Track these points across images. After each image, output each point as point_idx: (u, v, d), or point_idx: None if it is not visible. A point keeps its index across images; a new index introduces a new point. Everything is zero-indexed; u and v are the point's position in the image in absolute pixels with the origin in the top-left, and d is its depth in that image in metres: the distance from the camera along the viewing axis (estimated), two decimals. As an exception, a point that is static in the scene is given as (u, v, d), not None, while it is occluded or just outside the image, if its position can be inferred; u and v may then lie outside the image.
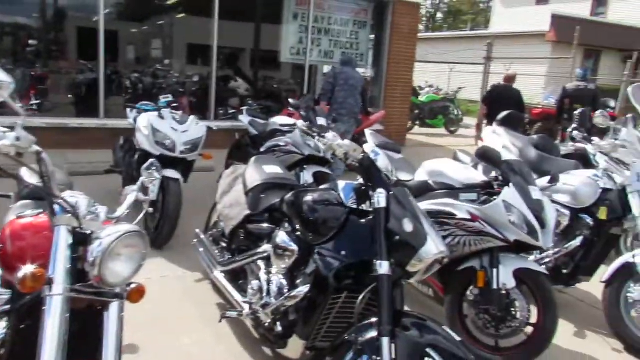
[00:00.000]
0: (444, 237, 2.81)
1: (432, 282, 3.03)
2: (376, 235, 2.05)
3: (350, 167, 2.23)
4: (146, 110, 4.40)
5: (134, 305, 1.68)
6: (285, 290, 2.38)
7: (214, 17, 8.07)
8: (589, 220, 3.24)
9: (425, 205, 2.98)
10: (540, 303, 2.64)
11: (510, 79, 8.13)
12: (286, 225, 2.50)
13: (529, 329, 2.69)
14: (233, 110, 7.59)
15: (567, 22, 18.65)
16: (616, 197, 3.14)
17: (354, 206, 2.26)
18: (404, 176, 3.42)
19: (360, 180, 2.60)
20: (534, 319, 2.68)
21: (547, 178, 3.25)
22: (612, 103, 12.91)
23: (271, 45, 9.76)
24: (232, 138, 6.19)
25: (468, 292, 2.80)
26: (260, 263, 2.62)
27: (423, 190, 3.14)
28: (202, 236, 3.30)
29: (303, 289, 2.24)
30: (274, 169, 3.02)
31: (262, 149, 4.87)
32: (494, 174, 2.84)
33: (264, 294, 2.47)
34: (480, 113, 11.16)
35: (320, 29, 9.20)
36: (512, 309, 2.70)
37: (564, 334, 3.08)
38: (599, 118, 3.53)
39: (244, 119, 5.53)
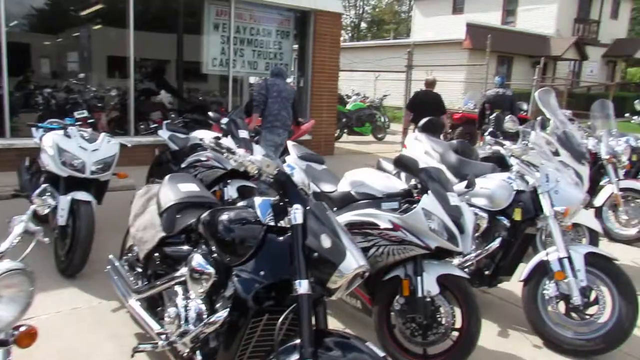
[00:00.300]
0: (368, 248, 2.81)
1: (359, 294, 3.00)
2: (294, 253, 1.98)
3: (265, 183, 2.15)
4: (52, 129, 4.08)
5: (41, 343, 1.49)
6: (205, 316, 2.24)
7: (129, 28, 7.73)
8: (505, 221, 3.34)
9: (348, 216, 2.96)
10: (464, 307, 2.67)
11: (430, 84, 8.46)
12: (203, 246, 2.37)
13: (455, 334, 2.71)
14: (155, 125, 7.28)
15: (480, 31, 19.68)
16: (529, 198, 3.26)
17: (272, 223, 2.17)
18: (327, 188, 3.41)
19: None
20: (458, 324, 2.70)
21: (465, 183, 3.31)
22: (524, 106, 13.67)
23: (194, 57, 9.53)
24: (154, 154, 5.94)
25: (394, 302, 2.79)
26: (178, 288, 2.47)
27: (346, 201, 3.11)
28: (116, 262, 3.08)
29: (222, 314, 2.11)
30: (189, 187, 2.87)
31: (183, 165, 4.69)
32: (413, 181, 2.85)
33: (182, 322, 2.32)
34: (405, 119, 11.49)
35: (242, 40, 9.08)
36: (438, 316, 2.72)
37: (489, 335, 3.14)
38: (508, 123, 3.68)
39: (163, 134, 5.31)
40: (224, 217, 2.21)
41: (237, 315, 2.08)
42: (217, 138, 4.59)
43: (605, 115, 5.38)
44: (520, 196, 3.30)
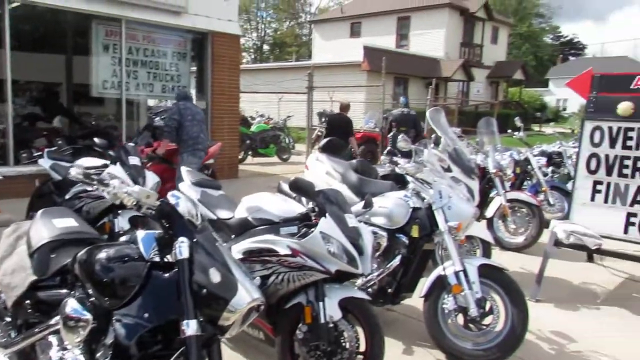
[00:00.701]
0: (268, 276, 2.70)
1: (261, 325, 2.86)
2: (181, 291, 1.81)
3: (147, 215, 1.97)
4: None
5: None
6: (83, 370, 1.99)
7: (4, 48, 7.06)
8: (404, 238, 3.39)
9: (246, 243, 2.83)
10: (367, 330, 2.63)
11: (345, 108, 8.65)
12: (79, 289, 2.11)
13: (360, 358, 2.66)
14: (39, 153, 6.65)
15: (377, 53, 20.57)
16: (425, 215, 3.33)
17: (157, 259, 1.99)
18: (223, 214, 3.25)
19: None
20: (363, 347, 2.66)
21: (362, 203, 3.32)
22: (420, 125, 14.46)
23: (84, 79, 8.92)
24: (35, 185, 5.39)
25: (297, 330, 2.68)
26: (52, 338, 2.18)
27: (244, 228, 2.98)
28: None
29: (102, 366, 1.88)
30: (66, 222, 2.58)
31: (67, 196, 4.29)
32: (311, 204, 2.79)
33: (57, 378, 2.05)
34: (308, 140, 11.61)
35: (136, 61, 8.67)
36: (342, 340, 2.65)
37: (394, 353, 3.14)
38: (401, 142, 3.76)
39: (44, 163, 4.83)
40: (102, 255, 1.98)
41: (119, 365, 1.86)
42: (105, 166, 4.32)
43: (490, 132, 5.74)
44: (417, 213, 3.37)
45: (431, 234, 3.34)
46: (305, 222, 2.72)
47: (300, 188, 2.65)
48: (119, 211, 4.10)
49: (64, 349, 2.11)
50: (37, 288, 2.36)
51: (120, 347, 1.84)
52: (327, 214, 2.63)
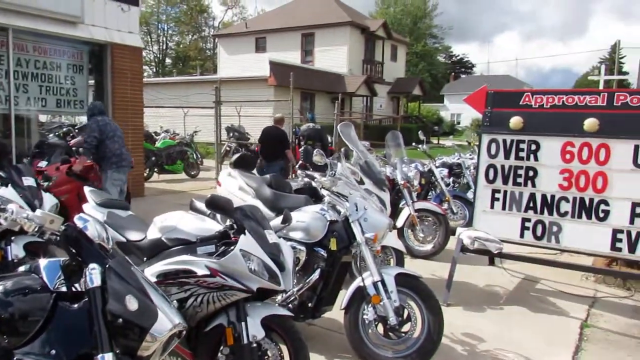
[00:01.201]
0: (186, 299, 2.58)
1: (179, 351, 2.71)
2: (93, 322, 1.67)
3: (51, 242, 1.79)
4: None
5: None
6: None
7: None
8: (322, 252, 3.40)
9: (159, 266, 2.68)
10: (291, 347, 2.59)
11: (278, 121, 8.72)
12: (-30, 329, 1.87)
13: (284, 377, 2.61)
14: None
15: (283, 69, 20.79)
16: (342, 227, 3.37)
17: (63, 289, 1.82)
18: (134, 236, 3.06)
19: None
20: (288, 365, 2.61)
21: (280, 218, 3.29)
22: (328, 138, 14.77)
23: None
24: None
25: (219, 353, 2.58)
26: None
27: (157, 249, 2.82)
28: None
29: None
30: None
31: (-55, 224, 3.80)
32: (229, 222, 2.71)
33: None
34: (217, 155, 11.37)
35: (25, 74, 7.98)
36: (266, 360, 2.59)
37: (317, 368, 3.12)
38: (317, 156, 3.80)
39: None
40: (-2, 288, 1.77)
41: (21, 412, 1.67)
42: (-9, 188, 3.89)
43: (397, 145, 5.98)
44: (334, 226, 3.40)
45: (349, 246, 3.38)
46: (223, 241, 2.63)
47: (218, 205, 2.56)
48: (12, 237, 3.73)
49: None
50: None
51: (23, 391, 1.66)
52: (246, 231, 2.57)
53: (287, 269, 2.63)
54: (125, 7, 8.89)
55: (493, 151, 4.61)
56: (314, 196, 5.20)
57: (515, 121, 4.50)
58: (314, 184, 3.53)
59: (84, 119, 14.42)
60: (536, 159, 4.45)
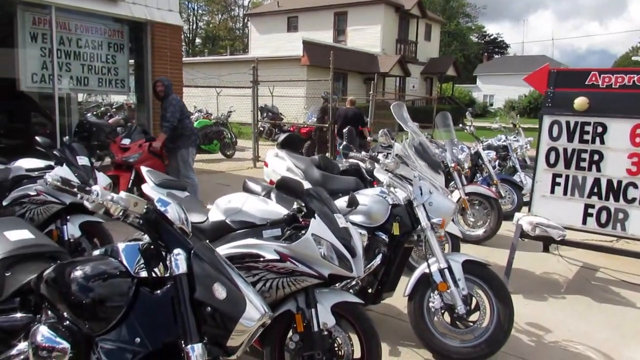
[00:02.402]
0: (254, 283, 2.49)
1: (245, 336, 2.65)
2: (180, 311, 1.59)
3: (132, 225, 1.71)
4: None
5: None
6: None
7: None
8: (384, 236, 3.28)
9: (225, 249, 2.60)
10: (362, 335, 2.50)
11: (353, 102, 10.12)
12: (48, 313, 1.83)
13: (355, 366, 2.53)
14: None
15: (316, 48, 20.54)
16: (405, 211, 3.24)
17: (144, 274, 1.75)
18: (195, 218, 2.98)
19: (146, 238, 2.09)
20: (358, 353, 2.52)
21: (344, 200, 3.17)
22: (364, 120, 14.54)
23: (6, 73, 8.12)
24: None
25: (288, 340, 2.51)
26: (16, 371, 1.87)
27: (220, 232, 2.75)
28: None
29: (85, 401, 1.63)
30: (21, 234, 2.25)
31: (4, 202, 3.83)
32: (295, 205, 2.61)
33: (25, 417, 1.75)
34: (254, 135, 11.33)
35: (68, 52, 8.00)
36: (336, 348, 2.51)
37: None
38: (382, 137, 3.63)
39: (-27, 166, 4.28)
40: (78, 272, 1.71)
41: (107, 399, 1.61)
42: (50, 167, 3.90)
43: (446, 126, 5.78)
44: (396, 210, 3.27)
45: (411, 231, 3.25)
46: (292, 224, 2.53)
47: (288, 187, 2.45)
48: (68, 217, 3.73)
49: (32, 382, 1.81)
50: (-10, 312, 2.03)
51: (110, 379, 1.60)
52: (316, 215, 2.46)
53: (358, 255, 2.53)
54: (165, -15, 8.80)
55: (555, 133, 4.38)
56: (359, 178, 5.10)
57: (580, 102, 4.25)
58: (378, 166, 3.36)
59: (120, 98, 14.59)
60: (602, 142, 4.21)
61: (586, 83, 4.28)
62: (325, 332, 2.45)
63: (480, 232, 5.54)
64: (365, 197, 3.39)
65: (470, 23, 54.54)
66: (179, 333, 1.63)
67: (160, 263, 1.79)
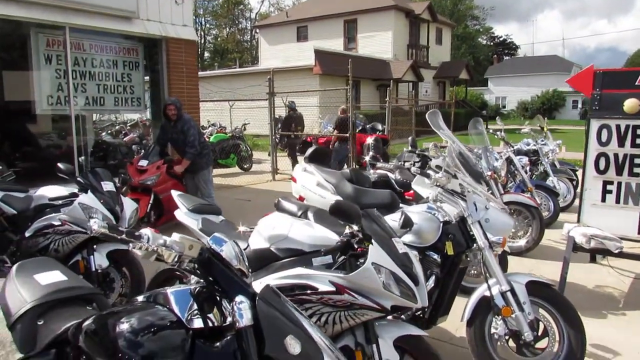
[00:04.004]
0: (306, 319, 2.27)
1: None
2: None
3: (185, 270, 1.50)
4: None
5: None
6: None
7: None
8: (435, 257, 3.04)
9: (272, 280, 2.37)
10: (429, 373, 2.25)
11: (345, 111, 10.36)
12: (89, 368, 1.61)
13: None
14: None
15: (327, 57, 20.38)
16: (458, 229, 2.99)
17: (197, 322, 1.53)
18: (235, 245, 2.78)
19: (194, 280, 1.88)
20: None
21: (391, 219, 2.93)
22: (379, 126, 14.30)
23: (21, 96, 8.04)
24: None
25: (346, 381, 2.26)
26: None
27: (265, 261, 2.53)
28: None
29: None
30: (53, 277, 2.04)
31: (27, 234, 3.65)
32: (347, 229, 2.37)
33: None
34: (272, 148, 11.15)
35: (83, 73, 7.89)
36: (400, 388, 2.26)
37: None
38: (432, 150, 3.39)
39: (-7, 195, 4.10)
40: (124, 325, 1.49)
41: None
42: (74, 195, 3.71)
43: (479, 132, 5.51)
44: (448, 228, 3.02)
45: (465, 250, 3.00)
46: (349, 252, 2.30)
47: (343, 211, 2.20)
48: (95, 246, 3.54)
49: None
50: (23, 367, 1.81)
51: None
52: (374, 241, 2.23)
53: (421, 283, 2.29)
54: (179, 0, 8.68)
55: (604, 138, 4.11)
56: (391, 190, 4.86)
57: (630, 104, 3.98)
58: (429, 182, 3.11)
59: (134, 116, 14.51)
60: (657, 145, 3.93)
61: (636, 84, 4.01)
62: (389, 371, 2.21)
63: (522, 243, 5.26)
64: (414, 214, 3.14)
65: (478, 25, 54.19)
66: (243, 394, 1.41)
67: (214, 308, 1.58)
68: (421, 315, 3.04)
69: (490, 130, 7.24)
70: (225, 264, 1.52)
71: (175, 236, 1.44)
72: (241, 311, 1.40)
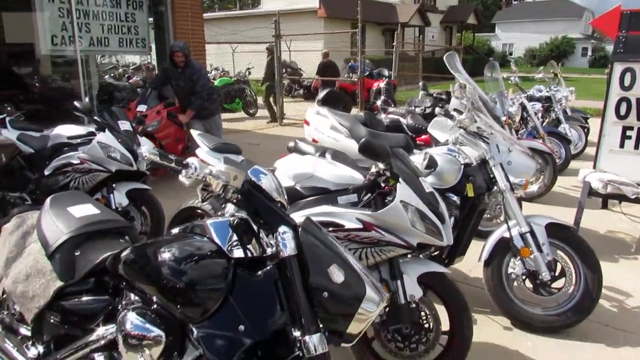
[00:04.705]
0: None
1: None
2: (291, 297, 1.41)
3: (230, 202, 1.51)
4: None
5: None
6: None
7: None
8: (455, 199, 3.05)
9: (298, 217, 2.39)
10: (452, 307, 2.32)
11: (327, 55, 10.96)
12: (130, 296, 1.66)
13: (443, 339, 2.36)
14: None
15: (333, -1, 19.75)
16: (479, 171, 2.99)
17: (239, 253, 1.55)
18: (258, 184, 2.79)
19: (230, 210, 1.90)
20: (445, 326, 2.35)
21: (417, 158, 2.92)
22: (385, 72, 14.05)
23: (22, 37, 7.85)
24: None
25: (371, 314, 2.33)
26: (99, 358, 1.73)
27: (290, 199, 2.53)
28: (-18, 327, 2.15)
29: (187, 396, 1.47)
30: (86, 209, 2.06)
31: (46, 172, 3.66)
32: (374, 168, 2.37)
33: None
34: (280, 93, 11.02)
35: (87, 12, 7.66)
36: (424, 321, 2.34)
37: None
38: (457, 91, 3.33)
39: (10, 134, 4.07)
40: (167, 254, 1.52)
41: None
42: (91, 134, 3.70)
43: (495, 77, 5.43)
44: (469, 170, 3.02)
45: (485, 192, 3.02)
46: (375, 190, 2.31)
47: (372, 151, 2.19)
48: (114, 184, 3.56)
49: (119, 370, 1.67)
50: (63, 296, 1.87)
51: (213, 371, 1.43)
52: (401, 179, 2.23)
53: (446, 221, 2.32)
54: (183, -64, 8.32)
55: (627, 82, 4.02)
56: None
57: (657, 46, 3.88)
58: (453, 123, 3.08)
59: (136, 59, 14.20)
60: (683, 90, 3.86)
61: (664, 25, 3.90)
62: (413, 305, 2.28)
63: (534, 188, 5.27)
64: (435, 156, 3.14)
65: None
66: (285, 320, 1.45)
67: (252, 238, 1.60)
68: (442, 256, 3.10)
69: (505, 75, 7.11)
70: (266, 196, 1.53)
71: (221, 166, 1.44)
72: (285, 241, 1.42)
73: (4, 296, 2.22)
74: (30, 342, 1.97)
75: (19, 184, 3.90)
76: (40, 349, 1.93)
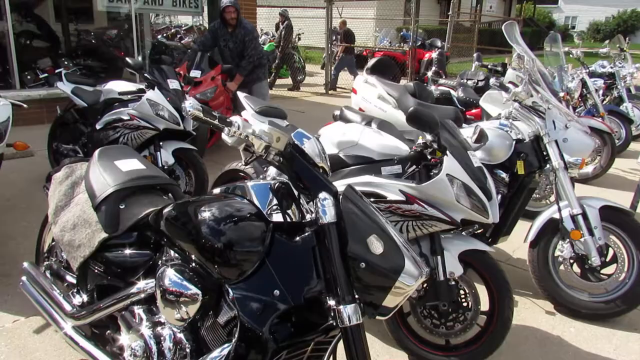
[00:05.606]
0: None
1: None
2: (327, 265, 1.38)
3: (272, 164, 1.48)
4: None
5: None
6: (187, 352, 1.60)
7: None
8: (504, 175, 2.93)
9: (340, 186, 2.35)
10: (493, 287, 2.25)
11: (344, 23, 11.01)
12: (170, 252, 1.68)
13: (482, 318, 2.30)
14: (45, 75, 5.92)
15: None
16: (531, 148, 2.85)
17: (278, 217, 1.54)
18: (302, 150, 2.76)
19: (271, 174, 1.88)
20: (485, 306, 2.29)
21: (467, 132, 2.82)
22: (438, 42, 13.57)
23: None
24: (50, 111, 4.81)
25: (408, 288, 2.29)
26: (138, 310, 1.77)
27: (333, 166, 2.50)
28: (32, 271, 2.25)
29: (220, 353, 1.48)
30: (132, 164, 2.10)
31: (98, 126, 3.76)
32: (421, 139, 2.29)
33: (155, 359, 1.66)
34: (328, 60, 10.86)
35: (141, -30, 7.73)
36: (462, 299, 2.28)
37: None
38: (515, 62, 3.16)
39: (65, 87, 4.19)
40: (207, 213, 1.51)
41: (244, 354, 1.46)
42: (141, 90, 3.75)
43: (556, 50, 5.12)
44: (521, 146, 2.88)
45: (537, 170, 2.88)
46: (421, 162, 2.24)
47: (421, 120, 2.11)
48: (161, 143, 3.62)
49: (156, 324, 1.71)
50: (107, 247, 1.92)
51: (248, 332, 1.43)
52: (448, 152, 2.15)
53: (493, 198, 2.22)
54: None
55: None
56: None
57: None
58: (507, 96, 2.93)
59: (188, 20, 14.27)
60: None
61: None
62: (453, 282, 2.22)
63: (589, 169, 5.02)
64: (486, 130, 3.01)
65: None
66: (320, 289, 1.43)
67: (292, 203, 1.58)
68: (484, 233, 3.01)
69: (566, 49, 6.71)
70: (308, 160, 1.50)
71: (264, 126, 1.41)
72: (325, 207, 1.38)
73: (53, 243, 2.32)
74: (76, 290, 2.06)
75: (72, 137, 4.04)
76: (85, 297, 2.00)
